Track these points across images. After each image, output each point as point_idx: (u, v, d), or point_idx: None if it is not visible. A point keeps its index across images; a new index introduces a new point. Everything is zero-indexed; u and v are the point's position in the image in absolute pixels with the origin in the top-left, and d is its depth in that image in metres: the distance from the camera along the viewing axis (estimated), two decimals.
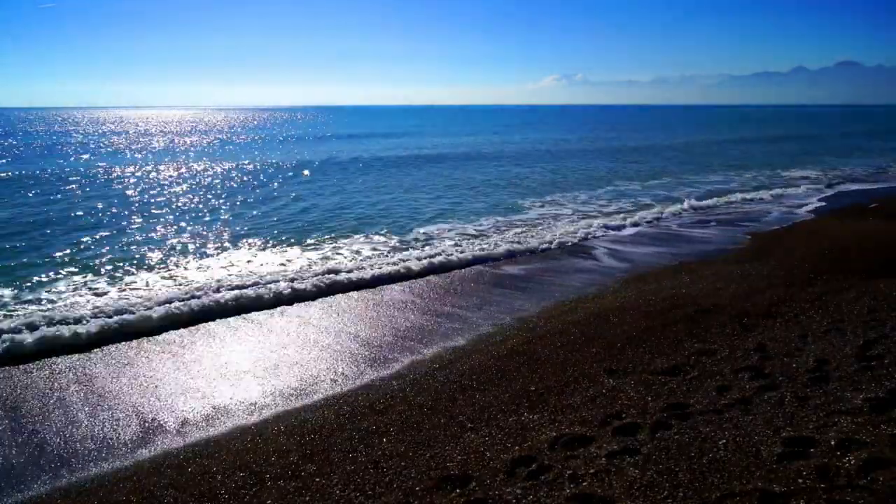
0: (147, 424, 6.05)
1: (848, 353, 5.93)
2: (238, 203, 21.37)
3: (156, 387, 6.86)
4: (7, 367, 7.42)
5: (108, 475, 5.17)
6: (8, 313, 9.36)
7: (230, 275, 11.61)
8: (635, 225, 16.32)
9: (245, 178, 29.19)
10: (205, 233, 16.13)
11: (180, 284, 11.00)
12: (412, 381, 6.63)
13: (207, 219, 18.34)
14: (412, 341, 8.05)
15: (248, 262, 12.90)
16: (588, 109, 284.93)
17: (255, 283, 10.51)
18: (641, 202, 20.65)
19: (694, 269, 10.87)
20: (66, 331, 8.20)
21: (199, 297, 9.70)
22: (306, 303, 9.89)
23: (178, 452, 5.46)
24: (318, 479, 4.76)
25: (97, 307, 9.27)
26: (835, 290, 8.64)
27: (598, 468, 4.18)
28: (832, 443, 4.07)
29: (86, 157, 41.74)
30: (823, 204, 19.53)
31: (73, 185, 25.95)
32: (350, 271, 11.42)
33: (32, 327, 8.37)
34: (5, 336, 7.99)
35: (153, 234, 15.95)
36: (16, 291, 10.56)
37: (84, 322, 8.59)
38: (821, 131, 72.35)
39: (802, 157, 37.33)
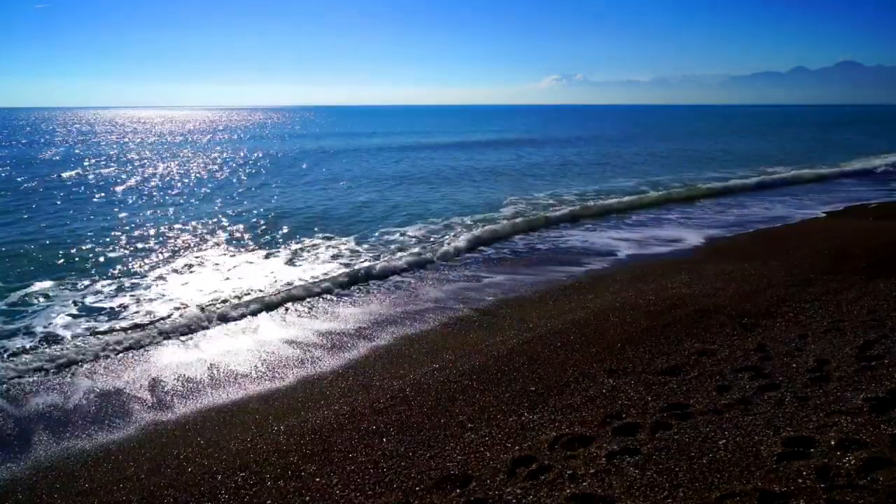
0: None
1: (848, 353, 5.93)
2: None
3: None
4: None
5: (109, 472, 5.18)
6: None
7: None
8: None
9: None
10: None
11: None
12: (412, 381, 6.63)
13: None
14: None
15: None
16: (591, 110, 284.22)
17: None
18: None
19: (694, 269, 10.87)
20: None
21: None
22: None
23: (177, 452, 5.46)
24: (318, 479, 4.76)
25: None
26: (835, 290, 8.63)
27: (598, 468, 4.18)
28: (832, 443, 4.07)
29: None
30: None
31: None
32: None
33: None
34: None
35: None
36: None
37: None
38: None
39: None
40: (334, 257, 13.12)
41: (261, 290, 10.59)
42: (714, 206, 19.11)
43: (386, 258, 12.81)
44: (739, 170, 29.13)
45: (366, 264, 12.23)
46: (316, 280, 11.23)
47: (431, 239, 14.66)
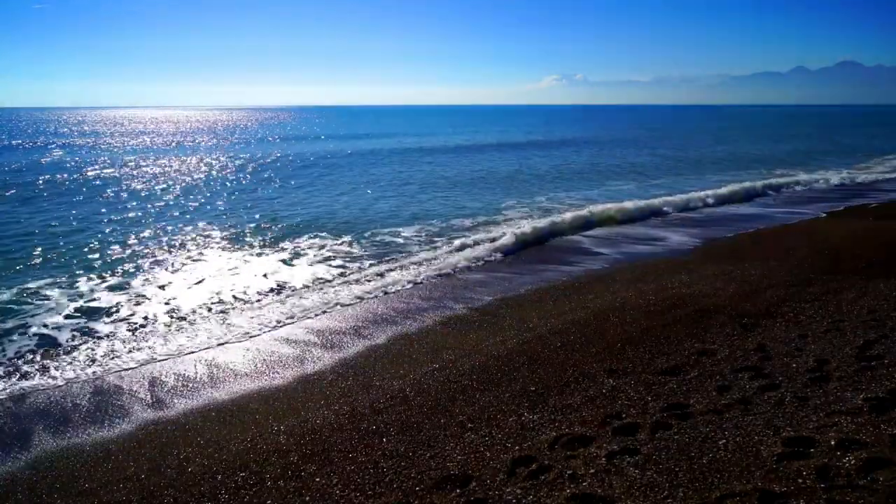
0: None
1: (848, 353, 5.93)
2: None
3: None
4: None
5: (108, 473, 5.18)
6: None
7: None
8: None
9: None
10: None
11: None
12: (412, 381, 6.63)
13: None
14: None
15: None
16: (591, 109, 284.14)
17: None
18: None
19: (694, 269, 10.87)
20: None
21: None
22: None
23: (177, 452, 5.46)
24: (318, 479, 4.76)
25: None
26: (835, 290, 8.64)
27: (598, 468, 4.18)
28: (832, 443, 4.07)
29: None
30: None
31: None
32: None
33: None
34: None
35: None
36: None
37: None
38: None
39: None
40: (329, 259, 13.12)
41: (276, 295, 10.59)
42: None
43: (394, 262, 12.82)
44: (746, 172, 29.05)
45: (374, 269, 12.24)
46: (322, 282, 11.25)
47: (438, 243, 14.60)
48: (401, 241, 14.79)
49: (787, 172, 27.81)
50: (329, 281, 11.22)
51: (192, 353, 7.94)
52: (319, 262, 12.75)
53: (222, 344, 8.21)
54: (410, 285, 10.78)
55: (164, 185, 26.56)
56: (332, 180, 27.60)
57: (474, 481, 4.35)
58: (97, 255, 13.40)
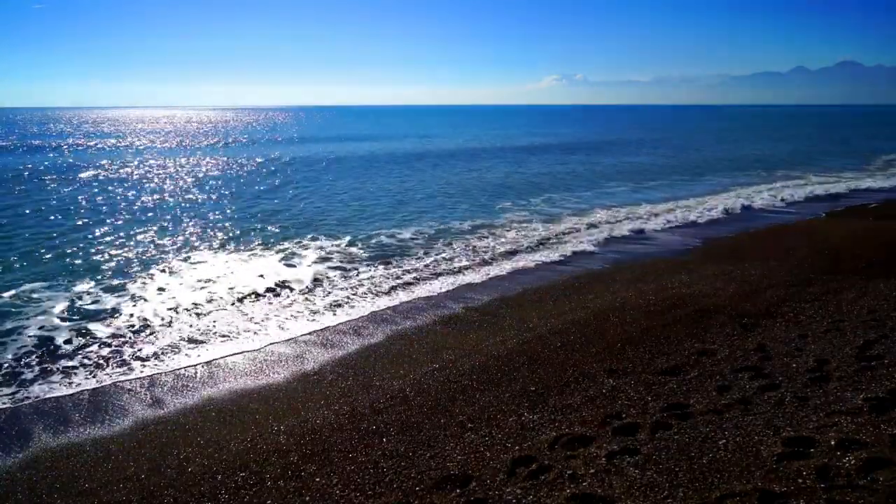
0: None
1: (848, 353, 5.93)
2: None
3: None
4: None
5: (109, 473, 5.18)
6: None
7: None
8: None
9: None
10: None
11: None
12: (412, 381, 6.63)
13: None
14: None
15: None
16: (591, 109, 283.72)
17: None
18: None
19: (694, 269, 10.86)
20: None
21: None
22: None
23: (177, 452, 5.46)
24: (318, 479, 4.76)
25: None
26: (835, 290, 8.64)
27: (598, 468, 4.18)
28: (832, 443, 4.07)
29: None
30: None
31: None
32: None
33: None
34: None
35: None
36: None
37: None
38: None
39: None
40: (324, 259, 13.14)
41: (307, 296, 10.59)
42: None
43: (403, 266, 12.83)
44: (746, 173, 28.93)
45: (371, 273, 12.25)
46: (324, 278, 11.26)
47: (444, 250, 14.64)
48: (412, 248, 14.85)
49: (787, 173, 27.75)
50: (336, 282, 11.23)
51: (192, 353, 7.94)
52: (318, 262, 12.75)
53: (223, 344, 8.21)
54: (404, 284, 10.80)
55: (164, 186, 26.56)
56: (334, 182, 27.58)
57: (474, 481, 4.35)
58: (98, 257, 13.39)
